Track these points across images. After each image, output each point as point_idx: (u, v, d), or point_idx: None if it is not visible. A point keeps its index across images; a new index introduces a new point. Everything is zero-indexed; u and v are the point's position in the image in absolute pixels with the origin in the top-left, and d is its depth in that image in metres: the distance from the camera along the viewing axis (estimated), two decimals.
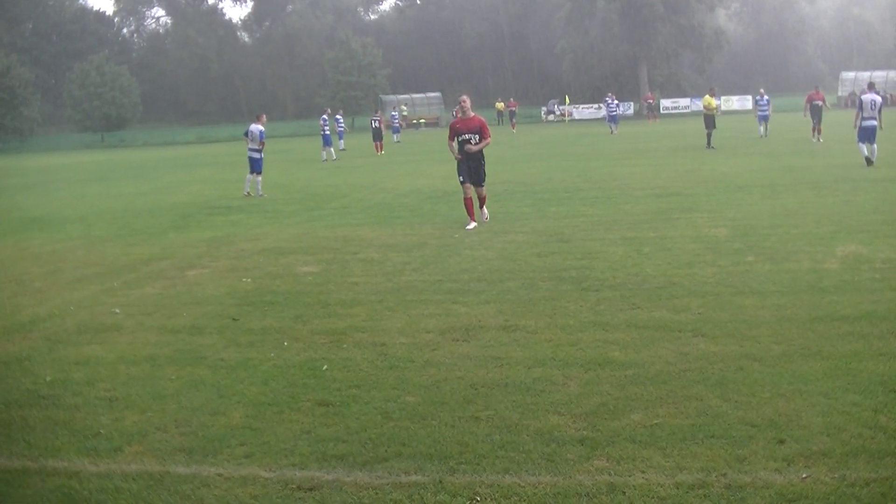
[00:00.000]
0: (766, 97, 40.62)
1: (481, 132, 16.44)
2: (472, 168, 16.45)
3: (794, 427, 6.00)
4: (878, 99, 23.87)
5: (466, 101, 16.69)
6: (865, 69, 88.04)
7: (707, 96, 37.47)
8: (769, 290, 10.03)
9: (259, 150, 25.22)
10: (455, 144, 16.62)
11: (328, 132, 42.93)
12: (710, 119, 35.88)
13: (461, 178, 16.54)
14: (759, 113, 40.88)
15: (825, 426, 5.98)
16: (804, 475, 5.24)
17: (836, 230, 13.83)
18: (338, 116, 50.67)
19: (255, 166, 25.21)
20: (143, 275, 13.29)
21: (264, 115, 26.96)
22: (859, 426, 5.97)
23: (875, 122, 23.63)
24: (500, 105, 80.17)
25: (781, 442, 5.77)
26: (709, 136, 35.35)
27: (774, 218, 15.43)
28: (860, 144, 23.95)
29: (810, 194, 18.43)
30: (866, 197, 17.70)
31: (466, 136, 16.38)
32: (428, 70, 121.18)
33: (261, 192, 25.15)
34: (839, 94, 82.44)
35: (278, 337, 9.18)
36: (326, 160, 41.07)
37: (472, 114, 16.74)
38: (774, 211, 16.31)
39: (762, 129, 40.36)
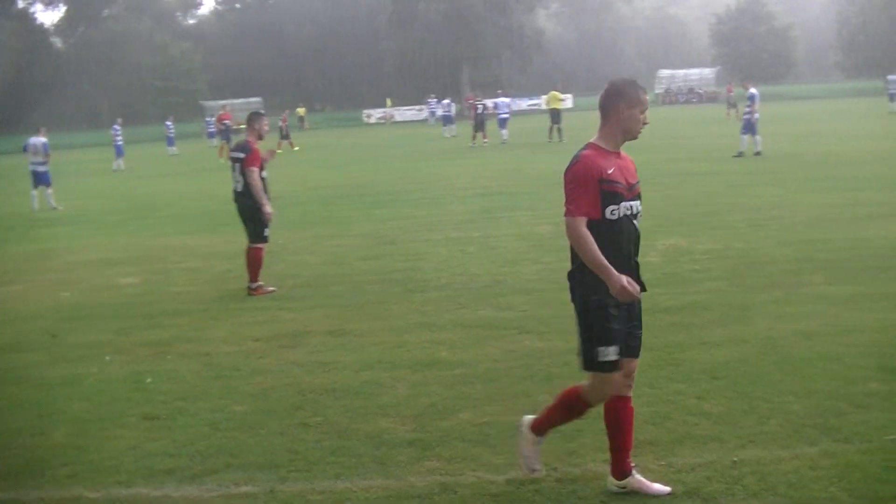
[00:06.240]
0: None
1: None
2: None
3: None
4: None
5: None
6: (681, 67, 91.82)
7: (554, 92, 38.99)
8: None
9: (44, 163, 24.64)
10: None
11: (120, 142, 42.62)
12: (555, 114, 37.14)
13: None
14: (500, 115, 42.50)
15: (651, 415, 6.11)
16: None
17: (658, 224, 14.09)
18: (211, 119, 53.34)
19: (43, 178, 24.58)
20: None
21: (43, 128, 26.41)
22: (684, 413, 6.15)
23: None
24: (301, 111, 76.59)
25: None
26: (559, 130, 36.50)
27: None
28: None
29: None
30: (688, 190, 18.33)
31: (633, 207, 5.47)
32: (251, 74, 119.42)
33: (54, 205, 24.25)
34: (656, 91, 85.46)
35: (101, 351, 8.84)
36: (117, 170, 40.15)
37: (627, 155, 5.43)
38: None
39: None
